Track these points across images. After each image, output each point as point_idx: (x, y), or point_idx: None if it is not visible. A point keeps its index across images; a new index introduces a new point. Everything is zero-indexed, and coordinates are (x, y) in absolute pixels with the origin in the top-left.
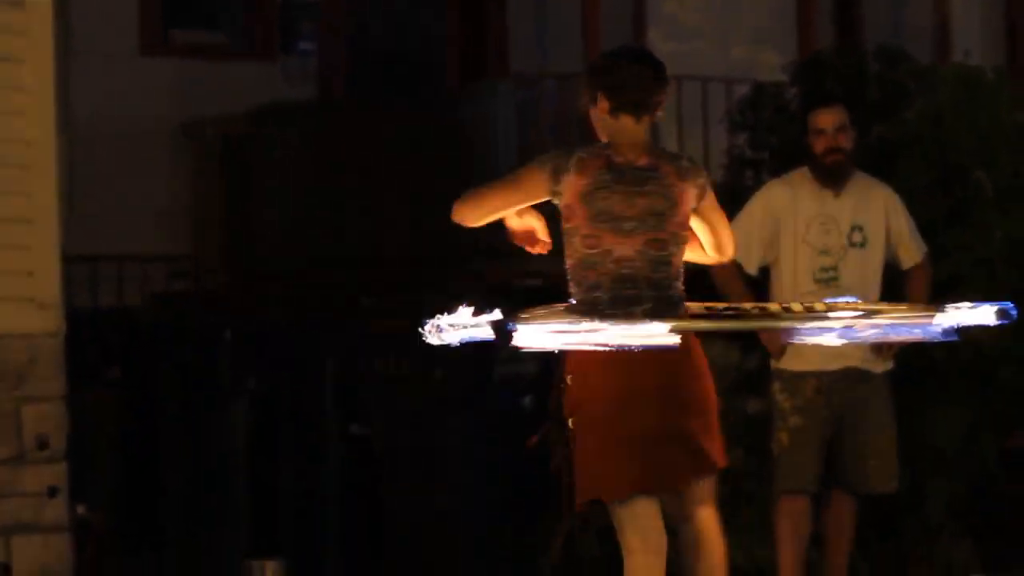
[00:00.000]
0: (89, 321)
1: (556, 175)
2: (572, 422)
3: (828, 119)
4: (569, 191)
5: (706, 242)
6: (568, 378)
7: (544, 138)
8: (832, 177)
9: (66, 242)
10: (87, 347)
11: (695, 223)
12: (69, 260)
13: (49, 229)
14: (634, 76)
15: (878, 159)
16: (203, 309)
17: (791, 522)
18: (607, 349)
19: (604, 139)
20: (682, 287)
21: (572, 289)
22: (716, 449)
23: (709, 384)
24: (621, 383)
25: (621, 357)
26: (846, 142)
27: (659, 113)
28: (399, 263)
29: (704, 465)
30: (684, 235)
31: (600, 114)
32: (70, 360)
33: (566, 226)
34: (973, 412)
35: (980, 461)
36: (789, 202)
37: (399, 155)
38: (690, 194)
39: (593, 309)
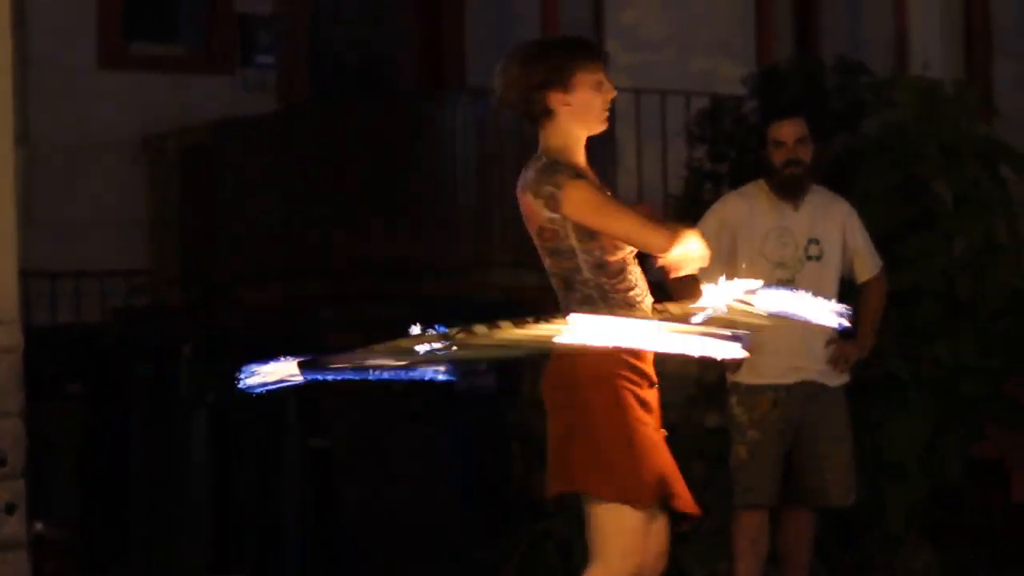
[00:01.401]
0: (48, 337)
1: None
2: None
3: (788, 131)
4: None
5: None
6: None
7: (505, 148)
8: (790, 190)
9: (24, 257)
10: (46, 363)
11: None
12: (27, 275)
13: (6, 244)
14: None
15: (838, 170)
16: (162, 323)
17: (749, 536)
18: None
19: (580, 132)
20: (576, 296)
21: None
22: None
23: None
24: None
25: None
26: (805, 155)
27: None
28: (359, 274)
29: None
30: (550, 246)
31: (595, 99)
32: (29, 376)
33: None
34: (933, 422)
35: (941, 470)
36: (746, 215)
37: (359, 167)
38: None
39: None
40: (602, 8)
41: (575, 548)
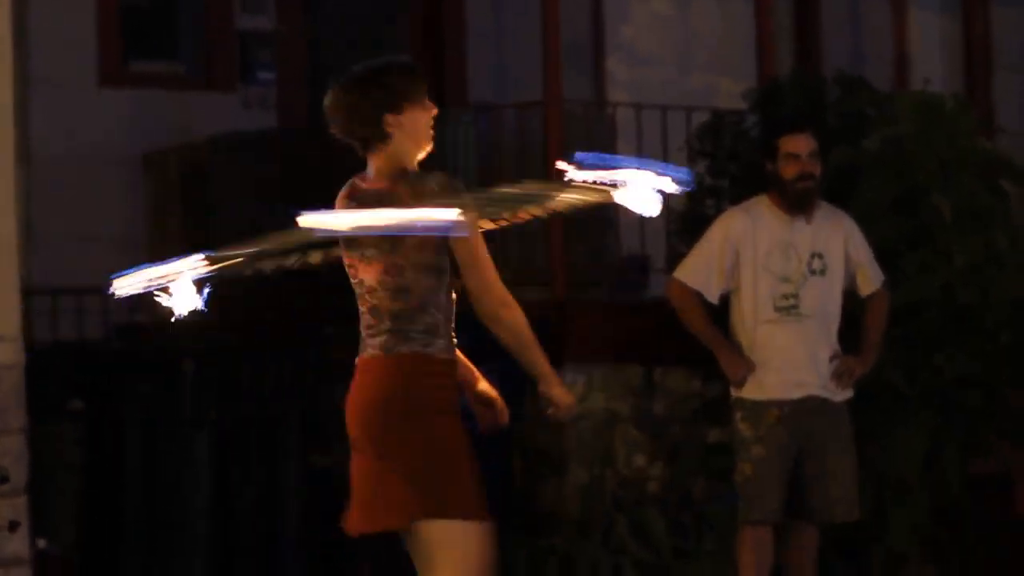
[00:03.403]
0: (49, 354)
1: None
2: None
3: (802, 144)
4: None
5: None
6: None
7: (505, 165)
8: (801, 203)
9: (25, 274)
10: (48, 380)
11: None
12: (29, 292)
13: (8, 262)
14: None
15: (838, 184)
16: (164, 340)
17: (754, 552)
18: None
19: (414, 152)
20: (438, 319)
21: None
22: None
23: None
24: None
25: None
26: (816, 168)
27: None
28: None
29: None
30: (423, 260)
31: (424, 119)
32: (31, 393)
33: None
34: (935, 437)
35: (944, 486)
36: (749, 230)
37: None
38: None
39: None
40: (602, 24)
41: (578, 564)
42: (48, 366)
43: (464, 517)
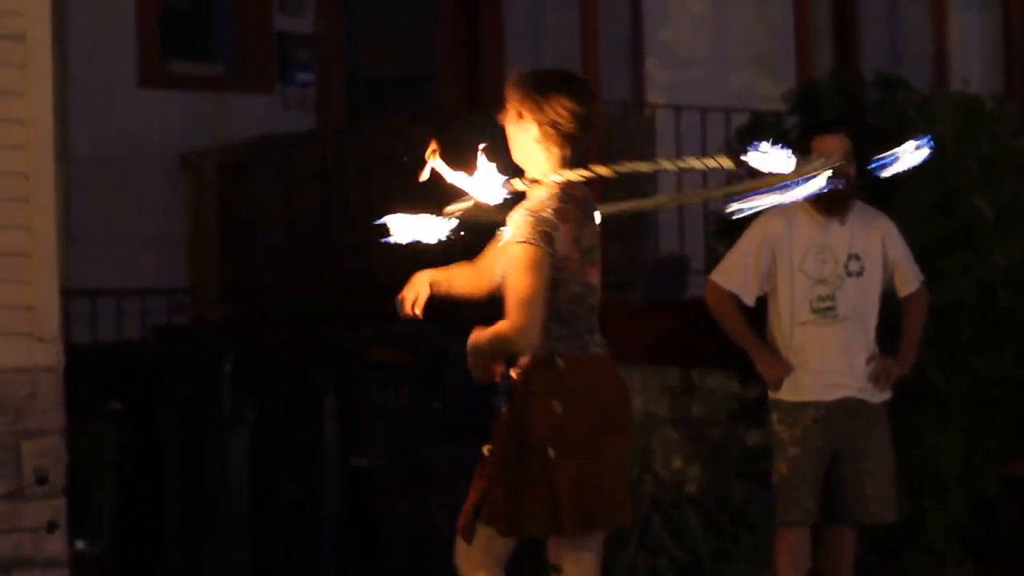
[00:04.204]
0: (89, 355)
1: (548, 241)
2: (553, 450)
3: (834, 145)
4: (564, 244)
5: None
6: (556, 403)
7: None
8: (837, 205)
9: (65, 275)
10: (86, 381)
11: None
12: (68, 294)
13: (48, 263)
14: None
15: (877, 185)
16: (202, 341)
17: (791, 553)
18: (592, 373)
19: (544, 163)
20: None
21: (556, 332)
22: None
23: None
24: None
25: (603, 383)
26: (850, 170)
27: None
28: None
29: None
30: None
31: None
32: (69, 394)
33: (558, 276)
34: (972, 438)
35: (980, 487)
36: (785, 232)
37: (398, 183)
38: None
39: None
40: (641, 25)
41: (616, 565)
42: (86, 367)
43: None
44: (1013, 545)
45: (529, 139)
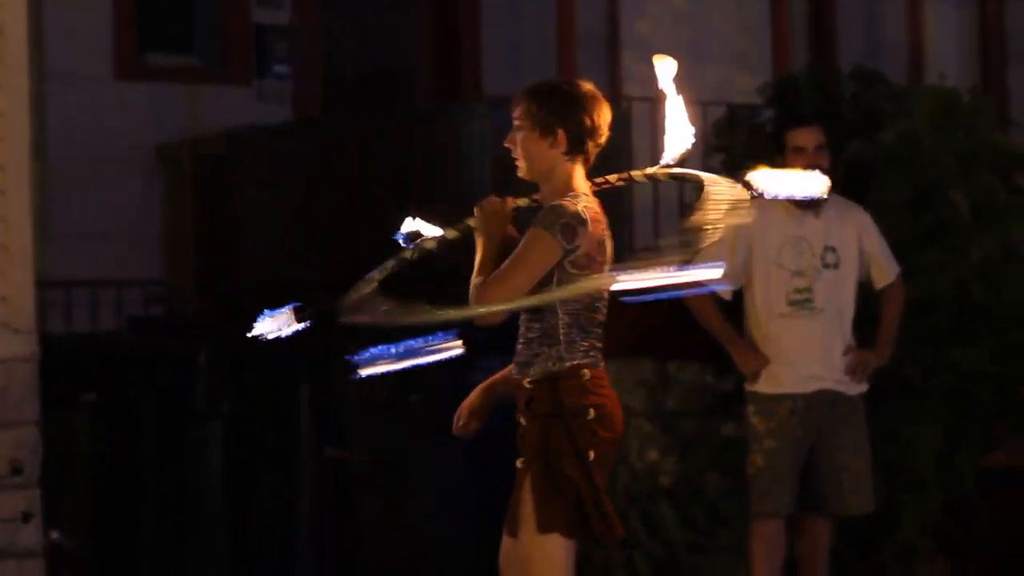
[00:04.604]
0: (63, 346)
1: (568, 234)
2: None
3: (808, 138)
4: (587, 241)
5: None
6: (591, 411)
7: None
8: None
9: (40, 267)
10: (61, 372)
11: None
12: (43, 285)
13: (23, 254)
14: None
15: (853, 179)
16: (178, 333)
17: (765, 545)
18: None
19: (555, 176)
20: None
21: (570, 336)
22: None
23: None
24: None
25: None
26: (824, 162)
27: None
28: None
29: None
30: None
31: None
32: (44, 385)
33: (580, 275)
34: (949, 431)
35: (957, 480)
36: (760, 225)
37: (374, 176)
38: None
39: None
40: (617, 18)
41: (590, 558)
42: (62, 358)
43: None
44: (987, 538)
45: (556, 153)
